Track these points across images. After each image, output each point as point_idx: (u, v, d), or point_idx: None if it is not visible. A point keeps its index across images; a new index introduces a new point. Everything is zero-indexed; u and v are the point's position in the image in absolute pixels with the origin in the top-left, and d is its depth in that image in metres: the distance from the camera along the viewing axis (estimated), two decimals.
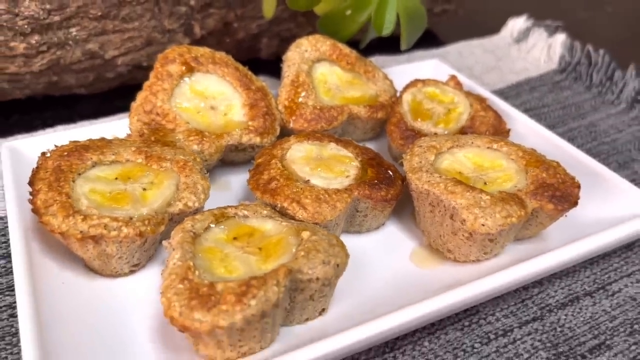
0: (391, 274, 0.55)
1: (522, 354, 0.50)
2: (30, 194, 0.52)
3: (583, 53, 0.96)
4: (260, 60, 0.95)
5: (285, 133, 0.68)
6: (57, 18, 0.72)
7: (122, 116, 0.77)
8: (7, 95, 0.78)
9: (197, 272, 0.45)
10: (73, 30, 0.74)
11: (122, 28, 0.77)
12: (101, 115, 0.79)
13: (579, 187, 0.56)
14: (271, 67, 0.87)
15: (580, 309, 0.55)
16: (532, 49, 1.01)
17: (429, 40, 1.07)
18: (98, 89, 0.85)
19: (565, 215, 0.59)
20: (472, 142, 0.62)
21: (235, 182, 0.66)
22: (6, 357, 0.48)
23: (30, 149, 0.65)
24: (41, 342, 0.44)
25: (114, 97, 0.86)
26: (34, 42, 0.72)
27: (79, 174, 0.55)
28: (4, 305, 0.52)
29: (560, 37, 0.99)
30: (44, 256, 0.53)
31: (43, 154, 0.56)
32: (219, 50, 0.70)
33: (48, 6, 0.71)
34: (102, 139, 0.59)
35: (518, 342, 0.51)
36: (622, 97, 0.88)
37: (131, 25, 0.78)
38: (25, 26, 0.71)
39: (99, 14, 0.74)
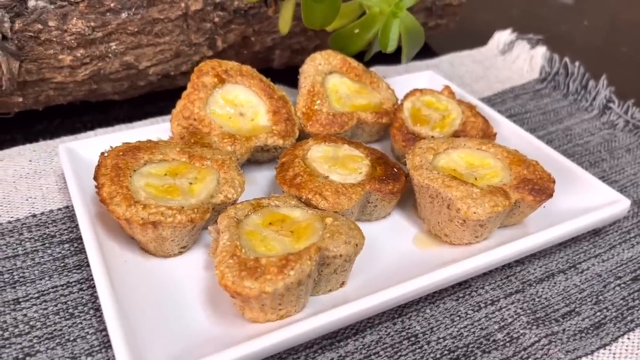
0: (397, 255, 0.66)
1: (506, 319, 0.61)
2: (96, 187, 0.62)
3: (561, 64, 1.07)
4: (273, 69, 1.05)
5: (303, 136, 0.78)
6: (99, 34, 0.82)
7: (155, 120, 0.87)
8: (52, 101, 0.87)
9: (243, 250, 0.55)
10: (113, 45, 0.84)
11: (155, 42, 0.87)
12: (133, 119, 0.89)
13: (554, 182, 0.67)
14: (283, 75, 0.97)
15: (555, 283, 0.66)
16: (516, 59, 1.13)
17: (424, 51, 1.17)
18: (130, 95, 0.94)
19: (544, 206, 0.70)
20: (465, 144, 0.73)
21: (261, 178, 0.77)
22: (81, 322, 0.58)
23: (83, 149, 0.74)
24: (118, 305, 0.54)
25: (145, 103, 0.95)
26: (79, 55, 0.82)
27: (134, 171, 0.65)
28: (74, 281, 0.62)
29: (541, 50, 1.10)
30: (107, 239, 0.63)
31: (102, 154, 0.66)
32: (237, 60, 0.80)
33: (92, 24, 0.81)
34: (150, 141, 0.69)
35: (503, 309, 0.62)
36: (595, 104, 0.99)
37: (163, 39, 0.88)
38: (72, 41, 0.81)
39: (136, 30, 0.84)
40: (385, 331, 0.59)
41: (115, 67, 0.86)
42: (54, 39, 0.80)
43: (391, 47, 0.79)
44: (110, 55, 0.85)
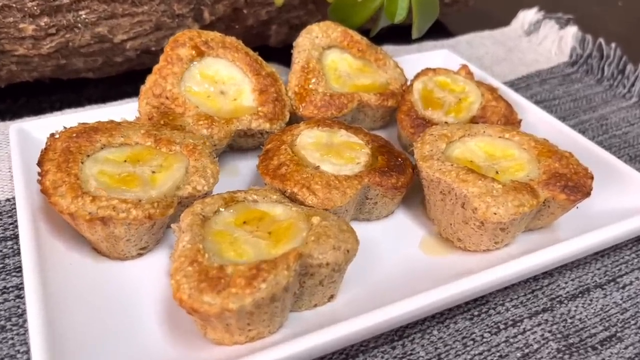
0: (400, 262, 0.55)
1: (532, 345, 0.50)
2: (39, 174, 0.52)
3: (595, 46, 0.95)
4: (269, 47, 0.94)
5: (295, 120, 0.67)
6: (66, 0, 0.72)
7: (131, 100, 0.77)
8: (16, 77, 0.78)
9: (206, 255, 0.44)
10: (82, 13, 0.74)
11: (131, 12, 0.77)
12: (109, 100, 0.79)
13: (592, 178, 0.56)
14: (280, 54, 0.86)
15: (591, 300, 0.55)
16: (543, 41, 1.01)
17: (439, 31, 1.06)
18: (106, 73, 0.84)
19: (577, 207, 0.58)
20: (484, 132, 0.61)
21: (244, 167, 0.66)
22: (12, 338, 0.48)
23: (39, 130, 0.64)
24: (48, 322, 0.44)
25: (122, 82, 0.85)
26: (43, 24, 0.72)
27: (88, 156, 0.54)
28: (12, 286, 0.52)
29: (572, 30, 0.98)
30: (51, 237, 0.53)
31: (52, 135, 0.56)
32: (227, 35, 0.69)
33: None
34: (111, 122, 0.59)
35: (528, 332, 0.51)
36: (634, 90, 0.87)
37: (141, 9, 0.77)
38: (35, 7, 0.70)
39: None
40: (382, 357, 0.48)
41: (86, 39, 0.76)
42: (13, 5, 0.70)
43: (399, 17, 0.67)
44: (79, 25, 0.74)
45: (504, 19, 1.08)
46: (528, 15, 1.05)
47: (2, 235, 0.57)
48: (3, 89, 0.79)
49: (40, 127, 0.65)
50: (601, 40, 0.94)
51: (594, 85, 0.90)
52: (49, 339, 0.42)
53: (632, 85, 0.88)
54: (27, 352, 0.47)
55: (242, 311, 0.42)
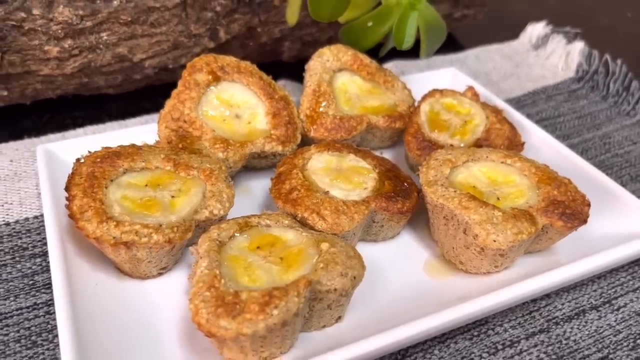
0: (404, 284, 0.58)
1: None
2: (67, 199, 0.55)
3: (601, 62, 0.97)
4: (282, 62, 0.97)
5: (306, 141, 0.70)
6: (89, 23, 0.75)
7: (150, 118, 0.80)
8: (40, 95, 0.81)
9: (222, 281, 0.48)
10: (104, 35, 0.77)
11: (150, 33, 0.80)
12: (128, 115, 0.82)
13: (589, 205, 0.58)
14: (293, 69, 0.89)
15: (586, 322, 0.57)
16: (551, 55, 1.02)
17: (449, 44, 1.08)
18: (125, 89, 0.87)
19: (575, 230, 0.61)
20: (487, 157, 0.64)
21: (257, 187, 0.69)
22: (43, 353, 0.51)
23: (64, 151, 0.68)
24: (77, 338, 0.47)
25: (141, 98, 0.88)
26: (67, 46, 0.75)
27: (111, 180, 0.58)
28: (41, 302, 0.56)
29: (579, 45, 1.00)
30: (78, 257, 0.57)
31: (77, 160, 0.59)
32: (242, 53, 0.72)
33: (81, 12, 0.74)
34: (133, 146, 0.62)
35: (524, 353, 0.54)
36: (638, 108, 0.89)
37: (159, 29, 0.80)
38: (59, 31, 0.74)
39: (129, 19, 0.77)
40: None
41: (107, 59, 0.79)
42: (39, 29, 0.73)
43: (407, 44, 0.70)
44: (101, 46, 0.78)
45: (512, 32, 1.10)
46: (536, 29, 1.07)
47: (31, 252, 0.61)
48: (28, 106, 0.83)
49: (66, 148, 0.68)
50: (607, 56, 0.96)
51: (599, 102, 0.92)
52: (78, 354, 0.46)
53: (637, 102, 0.90)
54: None
55: (255, 335, 0.45)
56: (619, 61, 0.95)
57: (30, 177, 0.70)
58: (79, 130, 0.77)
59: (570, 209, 0.57)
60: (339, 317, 0.53)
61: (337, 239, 0.54)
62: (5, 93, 0.78)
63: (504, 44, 1.07)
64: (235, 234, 0.54)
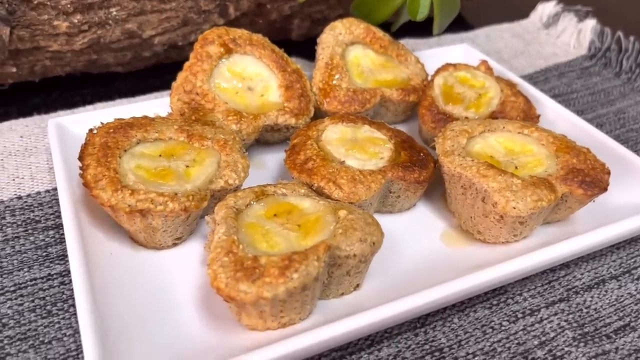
0: (422, 253, 0.57)
1: (548, 333, 0.52)
2: (80, 168, 0.55)
3: (613, 39, 0.96)
4: (292, 41, 0.96)
5: (319, 114, 0.70)
6: None
7: (159, 94, 0.79)
8: (49, 72, 0.81)
9: (241, 246, 0.47)
10: (113, 10, 0.76)
11: (159, 8, 0.79)
12: (138, 93, 0.82)
13: (609, 173, 0.58)
14: (302, 47, 0.88)
15: (606, 291, 0.57)
16: (562, 34, 1.01)
17: (458, 23, 1.07)
18: (135, 67, 0.87)
19: (594, 200, 0.60)
20: (504, 127, 0.63)
21: (270, 161, 0.69)
22: (59, 322, 0.51)
23: (75, 125, 0.67)
24: (94, 306, 0.47)
25: (150, 76, 0.88)
26: (76, 21, 0.75)
27: (125, 151, 0.57)
28: (55, 273, 0.55)
29: (591, 23, 0.99)
30: (92, 228, 0.56)
31: (90, 130, 0.59)
32: (251, 30, 0.72)
33: None
34: (145, 117, 0.62)
35: (545, 321, 0.53)
36: None
37: (168, 5, 0.79)
38: (68, 6, 0.73)
39: None
40: (405, 343, 0.51)
41: (117, 35, 0.78)
42: (48, 3, 0.72)
43: (421, 15, 0.69)
44: (110, 22, 0.77)
45: (523, 11, 1.09)
46: (547, 8, 1.06)
47: (44, 225, 0.60)
48: (37, 84, 0.82)
49: (76, 122, 0.67)
50: (620, 33, 0.95)
51: (612, 79, 0.91)
52: (96, 322, 0.45)
53: None
54: (73, 335, 0.50)
55: (275, 299, 0.44)
56: (631, 38, 0.94)
57: (41, 152, 0.69)
58: (88, 107, 0.77)
59: (590, 177, 0.56)
60: (357, 285, 0.53)
61: (354, 207, 0.53)
62: (14, 69, 0.77)
63: (515, 23, 1.06)
64: (252, 202, 0.53)
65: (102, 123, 0.60)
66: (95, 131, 0.59)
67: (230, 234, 0.48)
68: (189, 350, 0.47)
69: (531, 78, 0.91)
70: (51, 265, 0.56)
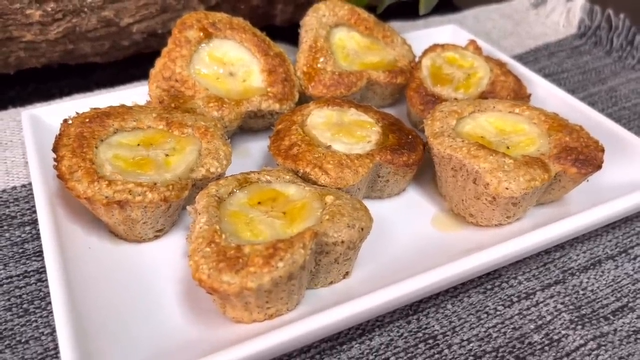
0: (413, 239, 0.56)
1: (544, 316, 0.50)
2: (55, 160, 0.52)
3: (603, 17, 0.94)
4: (275, 27, 0.93)
5: (304, 99, 0.68)
6: None
7: (139, 84, 0.77)
8: (24, 64, 0.78)
9: (223, 236, 0.45)
10: None
11: None
12: (117, 84, 0.79)
13: (602, 150, 0.56)
14: (286, 33, 0.86)
15: (603, 272, 0.55)
16: (551, 13, 1.00)
17: (445, 5, 1.05)
18: (114, 57, 0.84)
19: (587, 180, 0.58)
20: (494, 107, 0.61)
21: (255, 148, 0.66)
22: (36, 320, 0.49)
23: (50, 116, 0.65)
24: (71, 304, 0.45)
25: (130, 66, 0.85)
26: (49, 9, 0.72)
27: (102, 141, 0.55)
28: (32, 270, 0.53)
29: (580, 1, 0.97)
30: (69, 222, 0.54)
31: (65, 120, 0.56)
32: (233, 16, 0.69)
33: None
34: (123, 106, 0.59)
35: (541, 304, 0.52)
36: None
37: None
38: None
39: None
40: (398, 332, 0.49)
41: (93, 23, 0.76)
42: None
43: None
44: (85, 9, 0.74)
45: None
46: None
47: (20, 220, 0.58)
48: (12, 76, 0.79)
49: (52, 113, 0.65)
50: (610, 11, 0.93)
51: (603, 57, 0.89)
52: (73, 320, 0.43)
53: None
54: (51, 333, 0.48)
55: (260, 289, 0.42)
56: (621, 15, 0.92)
57: (17, 146, 0.67)
58: (66, 99, 0.74)
59: (583, 155, 0.55)
60: (347, 273, 0.51)
61: (341, 193, 0.51)
62: None
63: (503, 4, 1.04)
64: (235, 190, 0.51)
65: (77, 113, 0.57)
66: (70, 121, 0.57)
67: (212, 223, 0.46)
68: (172, 345, 0.45)
69: (521, 58, 0.89)
70: (27, 262, 0.54)
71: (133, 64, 0.85)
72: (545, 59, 0.89)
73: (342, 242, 0.46)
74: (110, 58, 0.84)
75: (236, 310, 0.45)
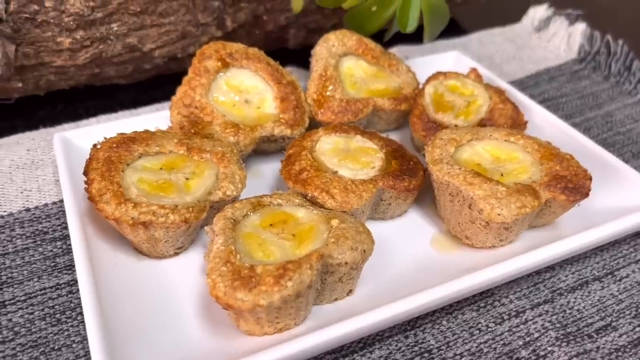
0: (413, 259, 0.60)
1: (532, 334, 0.55)
2: (85, 183, 0.58)
3: (602, 42, 0.98)
4: (288, 50, 0.98)
5: (314, 124, 0.72)
6: (99, 14, 0.77)
7: (160, 106, 0.82)
8: (54, 86, 0.83)
9: (238, 256, 0.50)
10: (114, 26, 0.79)
11: (159, 23, 0.82)
12: (139, 104, 0.84)
13: (590, 179, 0.60)
14: (298, 56, 0.91)
15: (589, 292, 0.59)
16: (553, 37, 1.04)
17: (452, 29, 1.09)
18: (136, 79, 0.89)
19: (578, 205, 0.62)
20: (491, 135, 0.66)
21: (267, 170, 0.71)
22: (68, 329, 0.54)
23: (80, 138, 0.70)
24: (101, 314, 0.49)
25: (151, 87, 0.90)
26: (78, 37, 0.77)
27: (128, 165, 0.60)
28: (63, 283, 0.58)
29: (580, 27, 1.01)
30: (97, 239, 0.59)
31: (94, 145, 0.62)
32: (248, 41, 0.74)
33: (92, 3, 0.76)
34: (147, 132, 0.64)
35: (529, 322, 0.56)
36: (639, 87, 0.90)
37: (167, 19, 0.82)
38: (71, 22, 0.76)
39: (138, 10, 0.79)
40: (396, 346, 0.53)
41: (118, 49, 0.81)
42: (52, 21, 0.75)
43: (411, 27, 0.72)
44: (111, 37, 0.80)
45: (515, 15, 1.11)
46: (538, 12, 1.08)
47: (52, 236, 0.63)
48: (42, 97, 0.85)
49: (81, 136, 0.70)
50: (609, 37, 0.97)
51: (600, 82, 0.93)
52: (102, 329, 0.48)
53: (639, 81, 0.91)
54: (81, 341, 0.53)
55: (271, 306, 0.47)
56: (620, 42, 0.96)
57: (47, 165, 0.72)
58: (92, 120, 0.80)
59: (572, 183, 0.59)
60: (350, 291, 0.55)
61: (346, 216, 0.56)
62: (20, 84, 0.80)
63: (506, 27, 1.08)
64: (249, 213, 0.56)
65: (105, 138, 0.63)
66: (99, 146, 0.62)
67: (228, 244, 0.51)
68: (191, 355, 0.50)
69: (522, 83, 0.93)
70: (59, 275, 0.59)
71: (154, 85, 0.91)
72: (545, 83, 0.93)
73: (346, 263, 0.51)
74: (133, 80, 0.89)
75: (249, 324, 0.50)
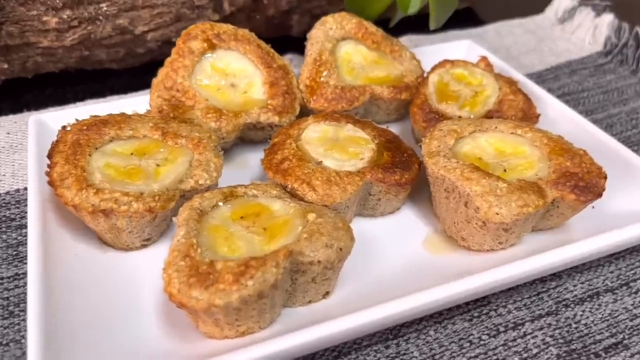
0: (401, 260, 0.54)
1: (531, 349, 0.48)
2: (48, 166, 0.54)
3: (631, 34, 0.90)
4: (292, 37, 0.93)
5: (306, 112, 0.67)
6: None
7: (144, 93, 0.77)
8: (42, 68, 0.80)
9: (199, 250, 0.45)
10: (103, 6, 0.75)
11: (151, 4, 0.78)
12: (131, 90, 0.80)
13: (605, 177, 0.53)
14: (302, 44, 0.85)
15: (600, 305, 0.53)
16: (577, 29, 0.96)
17: (468, 19, 1.03)
18: (129, 64, 0.86)
19: (592, 207, 0.56)
20: (496, 127, 0.59)
21: (253, 160, 0.66)
22: (19, 323, 0.50)
23: (57, 122, 0.66)
24: (46, 309, 0.45)
25: (144, 73, 0.86)
26: (65, 16, 0.74)
27: (96, 148, 0.56)
28: (22, 273, 0.54)
29: (608, 18, 0.93)
30: (59, 227, 0.55)
31: (63, 127, 0.58)
32: (248, 26, 0.70)
33: None
34: (122, 114, 0.60)
35: (528, 336, 0.49)
36: None
37: (160, 0, 0.78)
38: (57, 1, 0.72)
39: None
40: (375, 356, 0.48)
41: (108, 31, 0.77)
42: None
43: (413, 9, 0.66)
44: (100, 17, 0.76)
45: (538, 6, 1.04)
46: (563, 2, 1.01)
47: (18, 223, 0.59)
48: (30, 80, 0.82)
49: (59, 119, 0.66)
50: (638, 29, 0.89)
51: (627, 77, 0.86)
52: (45, 326, 0.44)
53: None
54: None
55: (228, 307, 0.42)
56: None
57: (26, 149, 0.68)
58: (79, 104, 0.76)
59: (584, 182, 0.52)
60: (327, 293, 0.50)
61: (326, 210, 0.51)
62: (5, 65, 0.77)
63: (527, 18, 1.01)
64: (219, 204, 0.51)
65: (76, 120, 0.59)
66: (68, 128, 0.58)
67: (189, 236, 0.46)
68: (142, 356, 0.45)
69: (540, 76, 0.86)
70: (19, 264, 0.55)
71: (147, 71, 0.86)
72: (566, 76, 0.86)
73: (319, 262, 0.46)
74: (125, 65, 0.86)
75: (207, 326, 0.45)
